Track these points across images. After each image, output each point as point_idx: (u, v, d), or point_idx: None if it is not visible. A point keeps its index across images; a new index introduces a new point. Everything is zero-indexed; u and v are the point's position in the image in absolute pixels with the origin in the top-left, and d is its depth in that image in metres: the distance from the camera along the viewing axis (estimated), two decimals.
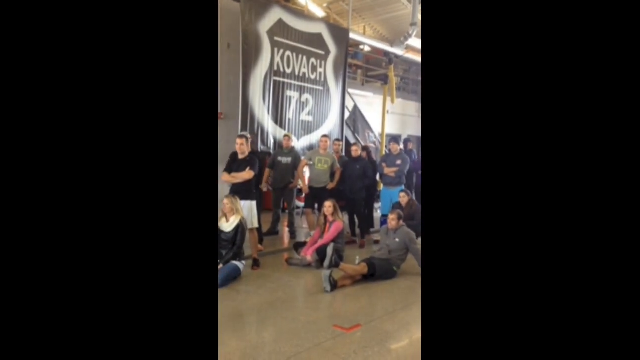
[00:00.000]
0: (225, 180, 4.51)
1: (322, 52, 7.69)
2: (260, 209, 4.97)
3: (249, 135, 4.76)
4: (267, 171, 5.71)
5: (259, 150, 6.45)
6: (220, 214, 4.21)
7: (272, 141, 6.90)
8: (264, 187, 5.70)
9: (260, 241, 4.97)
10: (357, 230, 5.90)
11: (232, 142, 4.71)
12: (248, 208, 4.43)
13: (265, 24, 6.70)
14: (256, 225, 4.60)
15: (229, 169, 4.49)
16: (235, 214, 4.15)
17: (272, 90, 6.89)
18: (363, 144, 7.95)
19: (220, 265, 3.94)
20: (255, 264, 4.49)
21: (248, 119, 6.53)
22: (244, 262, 4.19)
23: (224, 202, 4.18)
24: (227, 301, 3.52)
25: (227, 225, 4.13)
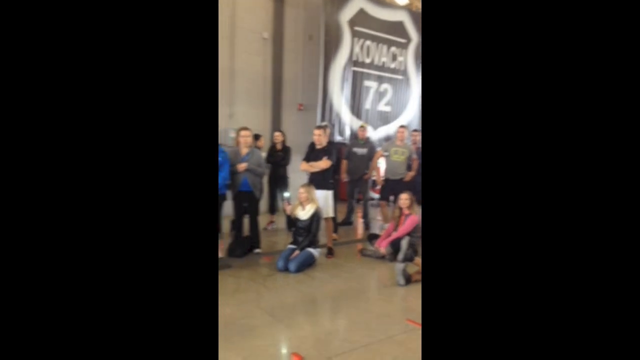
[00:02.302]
0: (303, 169, 4.63)
1: (404, 41, 7.50)
2: (336, 199, 5.03)
3: (327, 126, 4.83)
4: (344, 162, 5.75)
5: (336, 140, 6.50)
6: (296, 202, 4.34)
7: (348, 132, 6.92)
8: (344, 178, 5.76)
9: (335, 230, 5.03)
10: None
11: (310, 132, 4.81)
12: (324, 197, 4.50)
13: (346, 14, 6.70)
14: (331, 214, 4.66)
15: (307, 159, 4.60)
16: (311, 203, 4.25)
17: (350, 81, 6.88)
18: None
19: (297, 252, 4.08)
20: (330, 252, 4.56)
21: (327, 110, 6.60)
22: (318, 249, 4.29)
23: (300, 190, 4.30)
24: (302, 286, 3.63)
25: (302, 213, 4.24)
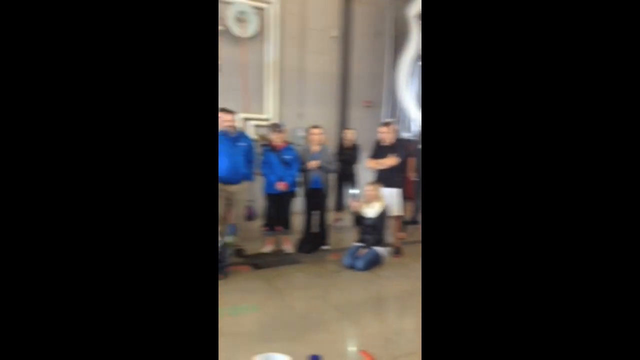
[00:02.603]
0: (370, 166, 4.64)
1: None
2: (403, 197, 4.98)
3: (394, 122, 4.79)
4: (411, 159, 5.67)
5: (403, 137, 6.42)
6: (363, 200, 4.37)
7: (415, 128, 6.79)
8: (412, 176, 5.68)
9: (402, 229, 4.99)
10: None
11: (376, 129, 4.80)
12: (391, 195, 4.48)
13: (414, 9, 6.55)
14: (399, 213, 4.63)
15: (373, 156, 4.60)
16: (378, 201, 4.25)
17: (417, 76, 6.74)
18: None
19: (364, 250, 4.11)
20: (397, 252, 4.54)
21: (393, 106, 6.54)
22: (386, 248, 4.29)
23: (367, 188, 4.32)
24: (369, 285, 3.67)
25: (369, 211, 4.26)
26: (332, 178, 4.93)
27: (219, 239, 3.77)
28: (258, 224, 4.92)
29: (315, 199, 4.57)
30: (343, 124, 6.74)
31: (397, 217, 4.64)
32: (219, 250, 3.68)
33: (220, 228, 3.93)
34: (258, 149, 4.68)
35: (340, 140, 5.85)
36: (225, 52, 5.84)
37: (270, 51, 6.19)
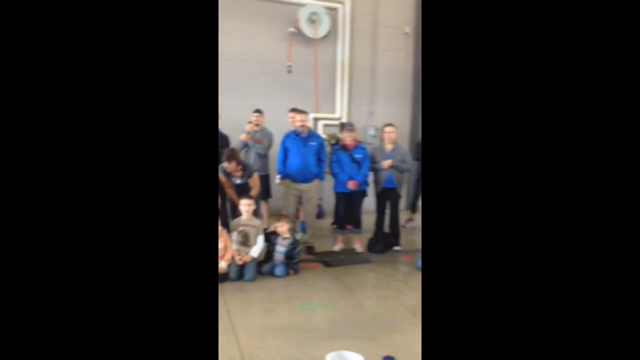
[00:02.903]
0: None
1: None
2: None
3: None
4: None
5: None
6: None
7: None
8: None
9: None
10: None
11: None
12: None
13: None
14: None
15: None
16: None
17: None
18: None
19: None
20: None
21: None
22: None
23: None
24: None
25: None
26: (407, 177, 4.79)
27: (290, 235, 3.83)
28: (328, 222, 4.92)
29: (388, 199, 4.46)
30: (416, 122, 6.54)
31: None
32: (291, 246, 3.73)
33: (291, 225, 3.99)
34: (328, 148, 4.69)
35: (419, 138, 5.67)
36: (297, 53, 5.95)
37: (343, 50, 6.19)
